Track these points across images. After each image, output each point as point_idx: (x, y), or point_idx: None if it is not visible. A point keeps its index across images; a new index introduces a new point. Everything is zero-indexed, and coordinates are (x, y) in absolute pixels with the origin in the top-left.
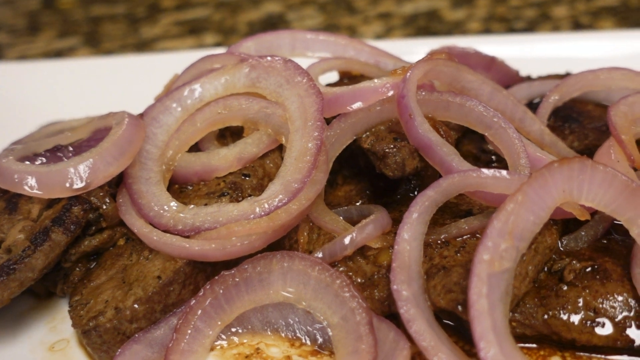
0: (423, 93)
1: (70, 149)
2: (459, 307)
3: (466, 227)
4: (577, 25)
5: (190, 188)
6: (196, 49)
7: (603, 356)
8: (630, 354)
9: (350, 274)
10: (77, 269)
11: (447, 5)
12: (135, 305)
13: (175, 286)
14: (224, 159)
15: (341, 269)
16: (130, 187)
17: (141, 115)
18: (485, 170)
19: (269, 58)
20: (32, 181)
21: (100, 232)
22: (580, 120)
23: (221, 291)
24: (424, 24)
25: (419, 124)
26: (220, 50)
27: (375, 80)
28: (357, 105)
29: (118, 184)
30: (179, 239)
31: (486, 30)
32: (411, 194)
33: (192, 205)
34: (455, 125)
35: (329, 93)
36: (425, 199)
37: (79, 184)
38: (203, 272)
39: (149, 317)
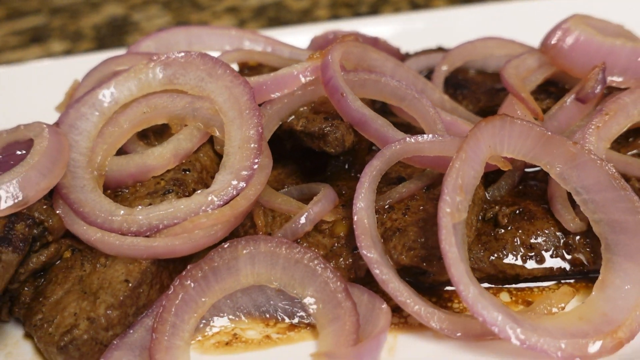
0: (342, 73)
1: None
2: (423, 262)
3: (405, 190)
4: (415, 5)
5: (127, 191)
6: (48, 57)
7: (543, 284)
8: (565, 278)
9: (313, 248)
10: (26, 288)
11: None
12: (109, 312)
13: (144, 287)
14: (160, 158)
15: (303, 245)
16: (67, 197)
17: (56, 124)
18: (422, 136)
19: (182, 54)
20: None
21: (46, 246)
22: (468, 87)
23: (192, 285)
24: (274, 15)
25: (351, 101)
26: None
27: (296, 66)
28: (282, 92)
29: (49, 196)
30: (144, 239)
31: (334, 16)
32: (343, 170)
33: (140, 207)
34: None
35: (253, 82)
36: (373, 168)
37: (18, 199)
38: (166, 269)
39: (123, 321)
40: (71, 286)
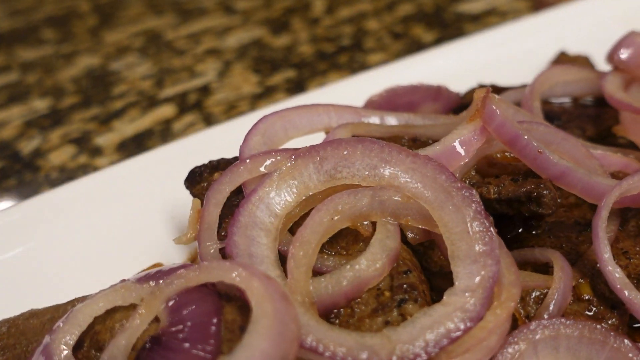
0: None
1: None
2: None
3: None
4: (395, 34)
5: (342, 314)
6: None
7: None
8: None
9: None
10: None
11: (267, 34)
12: None
13: None
14: (374, 266)
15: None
16: (304, 343)
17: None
18: (632, 177)
19: (339, 144)
20: None
21: None
22: (560, 118)
23: None
24: (257, 54)
25: (551, 156)
26: None
27: (463, 132)
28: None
29: None
30: None
31: (319, 52)
32: (532, 232)
33: (388, 328)
34: None
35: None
36: (602, 220)
37: None
38: None
39: None
40: None
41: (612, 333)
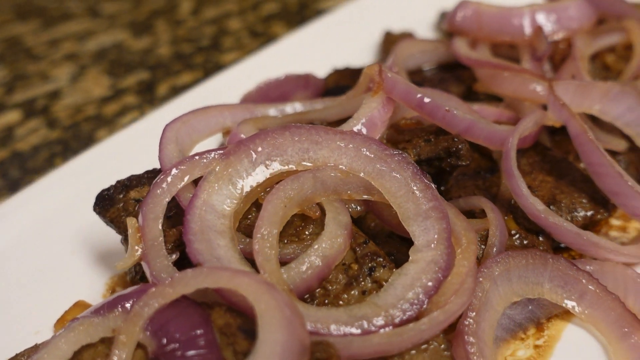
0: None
1: None
2: None
3: None
4: (255, 33)
5: (317, 296)
6: None
7: None
8: None
9: None
10: None
11: (129, 37)
12: None
13: None
14: (336, 242)
15: None
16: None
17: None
18: (522, 123)
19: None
20: None
21: None
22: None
23: None
24: (115, 57)
25: (457, 112)
26: None
27: (372, 105)
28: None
29: None
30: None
31: (177, 53)
32: (442, 188)
33: (370, 297)
34: None
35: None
36: (513, 161)
37: None
38: None
39: None
40: None
41: (549, 255)
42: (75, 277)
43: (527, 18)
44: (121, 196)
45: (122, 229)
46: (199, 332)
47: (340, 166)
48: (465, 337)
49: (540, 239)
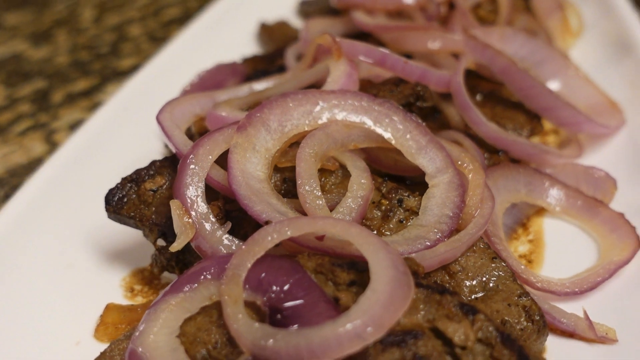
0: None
1: None
2: None
3: None
4: (154, 39)
5: None
6: None
7: None
8: None
9: None
10: None
11: (28, 47)
12: None
13: None
14: (365, 184)
15: None
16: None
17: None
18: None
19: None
20: None
21: None
22: None
23: None
24: (13, 68)
25: (412, 62)
26: None
27: (341, 68)
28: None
29: None
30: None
31: (74, 60)
32: None
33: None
34: None
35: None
36: (464, 97)
37: None
38: None
39: None
40: None
41: (519, 166)
42: (90, 283)
43: None
44: (132, 191)
45: (144, 222)
46: (296, 277)
47: (342, 120)
48: (490, 235)
49: (500, 155)
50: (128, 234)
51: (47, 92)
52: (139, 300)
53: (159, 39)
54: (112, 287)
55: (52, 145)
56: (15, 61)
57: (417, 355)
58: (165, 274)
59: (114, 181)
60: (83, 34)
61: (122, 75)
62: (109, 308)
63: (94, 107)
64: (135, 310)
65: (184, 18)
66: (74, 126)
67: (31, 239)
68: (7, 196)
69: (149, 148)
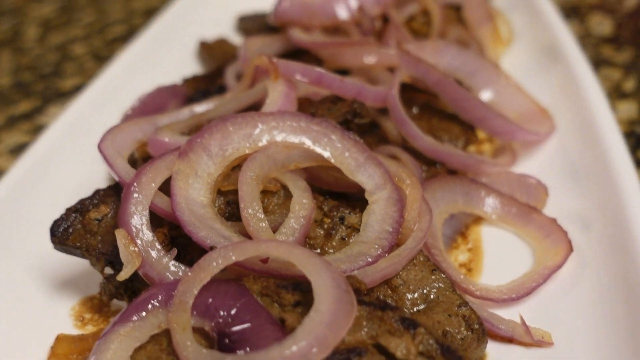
0: None
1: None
2: None
3: None
4: (99, 57)
5: None
6: None
7: None
8: None
9: None
10: None
11: None
12: None
13: None
14: (307, 204)
15: None
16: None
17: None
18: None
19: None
20: None
21: None
22: None
23: None
24: None
25: (347, 80)
26: None
27: (279, 89)
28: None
29: None
30: None
31: (17, 82)
32: None
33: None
34: None
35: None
36: (400, 112)
37: None
38: None
39: None
40: None
41: (455, 178)
42: (39, 314)
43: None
44: (77, 221)
45: (90, 252)
46: (243, 300)
47: (282, 141)
48: (430, 247)
49: (438, 167)
50: (75, 263)
51: None
52: (90, 329)
53: (103, 57)
54: (62, 317)
55: None
56: None
57: None
58: (115, 300)
59: (58, 210)
60: (27, 53)
61: (64, 96)
62: (60, 339)
63: (36, 130)
64: (87, 339)
65: (128, 36)
66: (14, 150)
67: None
68: None
69: (92, 172)
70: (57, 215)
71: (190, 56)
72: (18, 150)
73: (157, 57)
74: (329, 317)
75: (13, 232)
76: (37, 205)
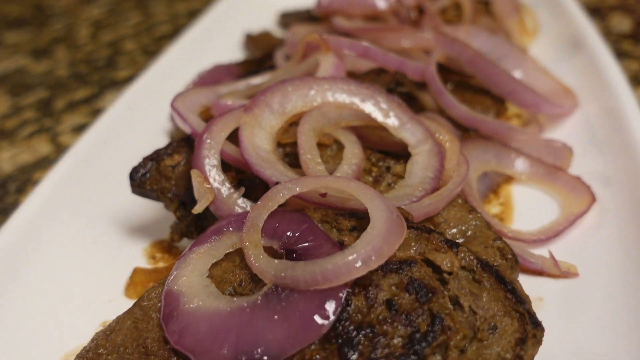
0: None
1: None
2: None
3: None
4: (148, 52)
5: None
6: None
7: None
8: None
9: None
10: None
11: (30, 62)
12: None
13: None
14: (357, 153)
15: None
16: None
17: None
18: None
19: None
20: None
21: None
22: None
23: None
24: (16, 80)
25: (390, 53)
26: None
27: (330, 60)
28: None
29: None
30: None
31: (74, 72)
32: None
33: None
34: None
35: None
36: (436, 82)
37: None
38: None
39: None
40: None
41: (488, 141)
42: (115, 254)
43: None
44: (153, 167)
45: (165, 194)
46: (305, 226)
47: (334, 101)
48: (466, 194)
49: (471, 133)
50: (145, 212)
51: (50, 100)
52: (162, 265)
53: (152, 52)
54: (135, 257)
55: (58, 146)
56: (19, 74)
57: (412, 279)
58: (182, 242)
59: (128, 166)
60: (80, 49)
61: (119, 84)
62: (137, 271)
63: (95, 112)
64: (161, 271)
65: (174, 34)
66: (77, 129)
67: (59, 219)
68: (18, 190)
69: (155, 144)
70: (127, 171)
71: (237, 48)
72: (80, 129)
73: (206, 48)
74: (384, 232)
75: (90, 185)
76: (111, 163)
